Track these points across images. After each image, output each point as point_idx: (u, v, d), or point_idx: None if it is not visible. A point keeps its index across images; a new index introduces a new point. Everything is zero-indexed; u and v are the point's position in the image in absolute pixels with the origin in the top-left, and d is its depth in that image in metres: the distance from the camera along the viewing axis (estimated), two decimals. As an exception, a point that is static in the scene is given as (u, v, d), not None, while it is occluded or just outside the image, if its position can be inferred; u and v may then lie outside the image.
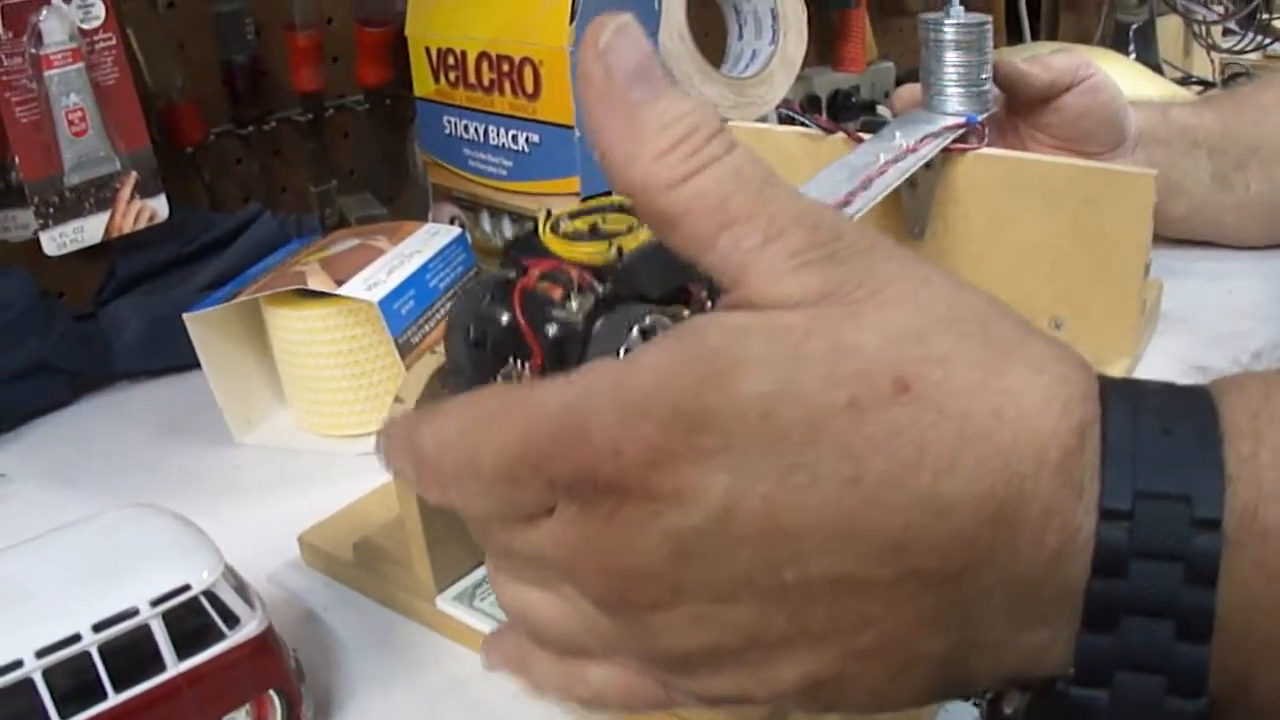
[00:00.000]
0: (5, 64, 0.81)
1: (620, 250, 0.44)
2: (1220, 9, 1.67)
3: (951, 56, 0.84)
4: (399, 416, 0.38)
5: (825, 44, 1.44)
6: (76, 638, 0.42)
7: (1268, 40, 1.61)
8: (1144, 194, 0.75)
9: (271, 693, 0.47)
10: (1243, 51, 1.63)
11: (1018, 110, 0.92)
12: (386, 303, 0.70)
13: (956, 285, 0.35)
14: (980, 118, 0.83)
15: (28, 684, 0.41)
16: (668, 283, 0.43)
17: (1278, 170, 1.00)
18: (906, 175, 0.75)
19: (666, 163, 0.34)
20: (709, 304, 0.44)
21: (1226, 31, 1.66)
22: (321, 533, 0.63)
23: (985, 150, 0.81)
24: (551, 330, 0.43)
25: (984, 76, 0.85)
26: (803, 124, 0.87)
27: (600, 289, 0.43)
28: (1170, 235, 1.00)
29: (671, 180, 0.34)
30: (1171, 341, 0.85)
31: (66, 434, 0.83)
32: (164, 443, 0.80)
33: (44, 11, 0.82)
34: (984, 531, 0.31)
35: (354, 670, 0.55)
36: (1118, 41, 1.52)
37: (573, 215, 0.48)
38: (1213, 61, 1.73)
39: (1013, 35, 1.81)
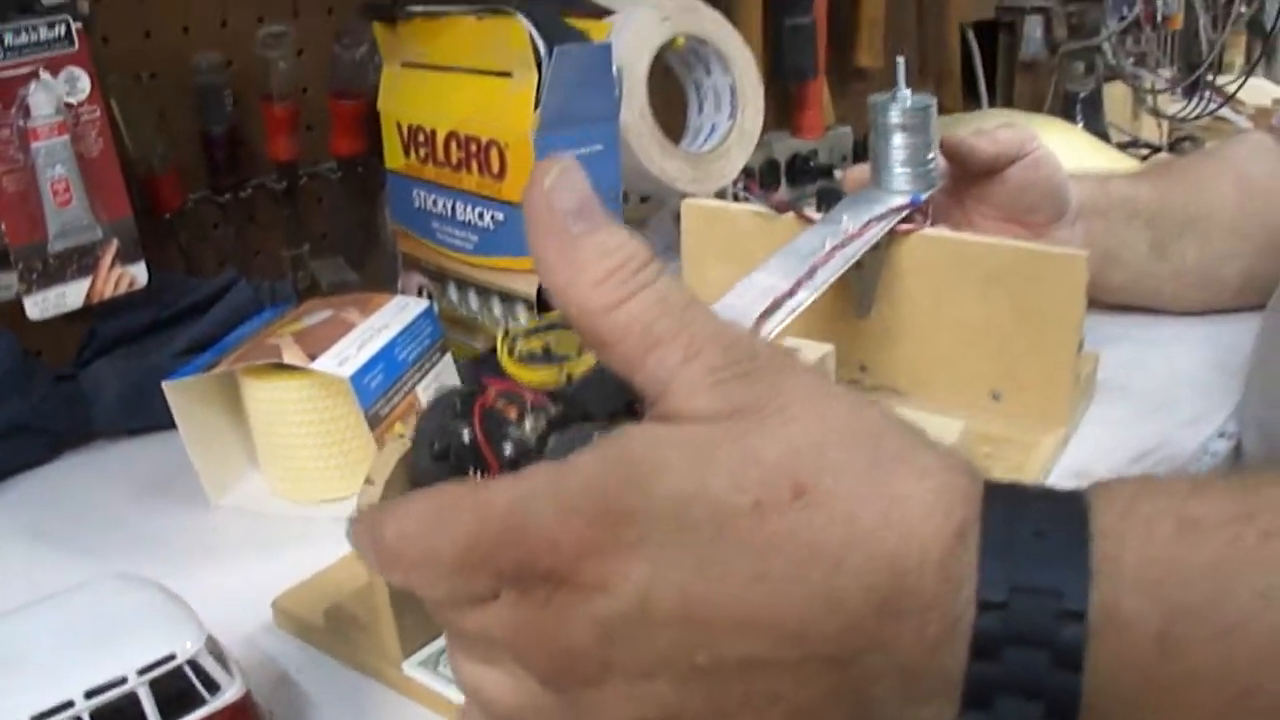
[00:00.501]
0: None
1: (569, 375, 0.49)
2: (1168, 75, 1.72)
3: (898, 138, 0.87)
4: (365, 509, 0.42)
5: (784, 111, 1.48)
6: (70, 704, 0.45)
7: (1212, 105, 1.66)
8: (1077, 274, 0.79)
9: (248, 754, 0.51)
10: (1187, 119, 1.68)
11: (964, 182, 0.95)
12: (357, 378, 0.73)
13: (855, 402, 0.39)
14: (925, 196, 0.87)
15: (23, 747, 0.44)
16: (612, 403, 0.48)
17: (1214, 240, 1.03)
18: (853, 261, 0.79)
19: (602, 290, 0.38)
20: None
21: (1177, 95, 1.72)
22: (294, 598, 0.65)
23: (928, 231, 0.84)
24: (508, 449, 0.47)
25: (929, 156, 0.88)
26: (756, 202, 0.91)
27: (552, 410, 0.47)
28: (1110, 302, 1.03)
29: (606, 305, 0.38)
30: (1109, 410, 0.89)
31: (46, 492, 0.85)
32: (142, 503, 0.82)
33: (32, 85, 0.85)
34: (871, 622, 0.35)
35: (325, 729, 0.58)
36: (1066, 109, 1.56)
37: (528, 334, 0.52)
38: (1160, 126, 1.78)
39: (970, 102, 1.86)
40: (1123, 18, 1.67)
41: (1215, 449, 0.84)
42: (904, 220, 0.85)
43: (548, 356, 0.51)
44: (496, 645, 0.40)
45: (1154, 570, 0.35)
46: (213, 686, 0.49)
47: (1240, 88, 1.63)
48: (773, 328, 0.69)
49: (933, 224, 0.87)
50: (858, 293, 0.87)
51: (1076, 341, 0.81)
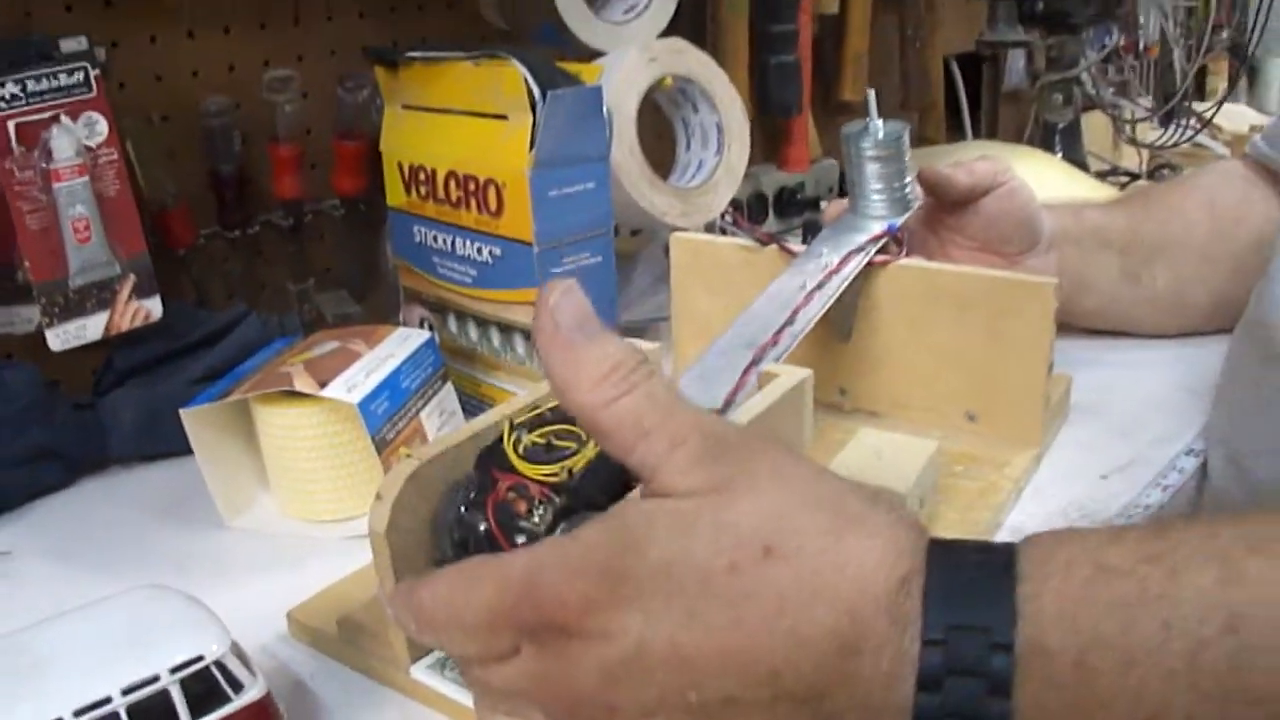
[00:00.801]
0: (18, 176, 0.88)
1: (570, 470, 0.55)
2: (1147, 104, 1.76)
3: (872, 167, 0.91)
4: (403, 583, 0.50)
5: (772, 145, 1.52)
6: (108, 699, 0.49)
7: (1189, 132, 1.70)
8: (1046, 301, 0.83)
9: (268, 749, 0.55)
10: (1165, 146, 1.72)
11: (940, 213, 0.99)
12: (364, 404, 0.77)
13: (815, 473, 0.46)
14: (900, 221, 0.91)
15: (66, 739, 0.48)
16: (610, 491, 0.54)
17: (1184, 265, 1.06)
18: (832, 300, 0.83)
19: (600, 389, 0.46)
20: None
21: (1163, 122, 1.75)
22: (308, 610, 0.69)
23: (904, 261, 0.88)
24: (521, 539, 0.54)
25: (903, 182, 0.92)
26: (742, 236, 0.95)
27: (557, 501, 0.54)
28: (1085, 326, 1.07)
29: (604, 401, 0.46)
30: (1081, 431, 0.92)
31: (66, 515, 0.89)
32: (158, 524, 0.85)
33: (54, 129, 0.89)
34: (834, 660, 0.41)
35: (338, 730, 0.62)
36: (1045, 140, 1.60)
37: (529, 427, 0.59)
38: (1140, 155, 1.82)
39: (954, 132, 1.90)
40: (1103, 46, 1.72)
41: (1183, 466, 0.87)
42: (881, 250, 0.89)
43: (549, 451, 0.57)
44: (519, 695, 0.46)
45: (1071, 607, 0.40)
46: (237, 686, 0.53)
47: (1214, 115, 1.66)
48: (759, 373, 0.74)
49: (909, 254, 0.91)
50: (838, 320, 0.90)
51: (1046, 365, 0.85)
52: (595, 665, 0.43)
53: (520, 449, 0.58)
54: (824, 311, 0.84)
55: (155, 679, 0.50)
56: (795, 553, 0.42)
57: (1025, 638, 0.40)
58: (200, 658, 0.52)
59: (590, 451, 0.56)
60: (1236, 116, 1.97)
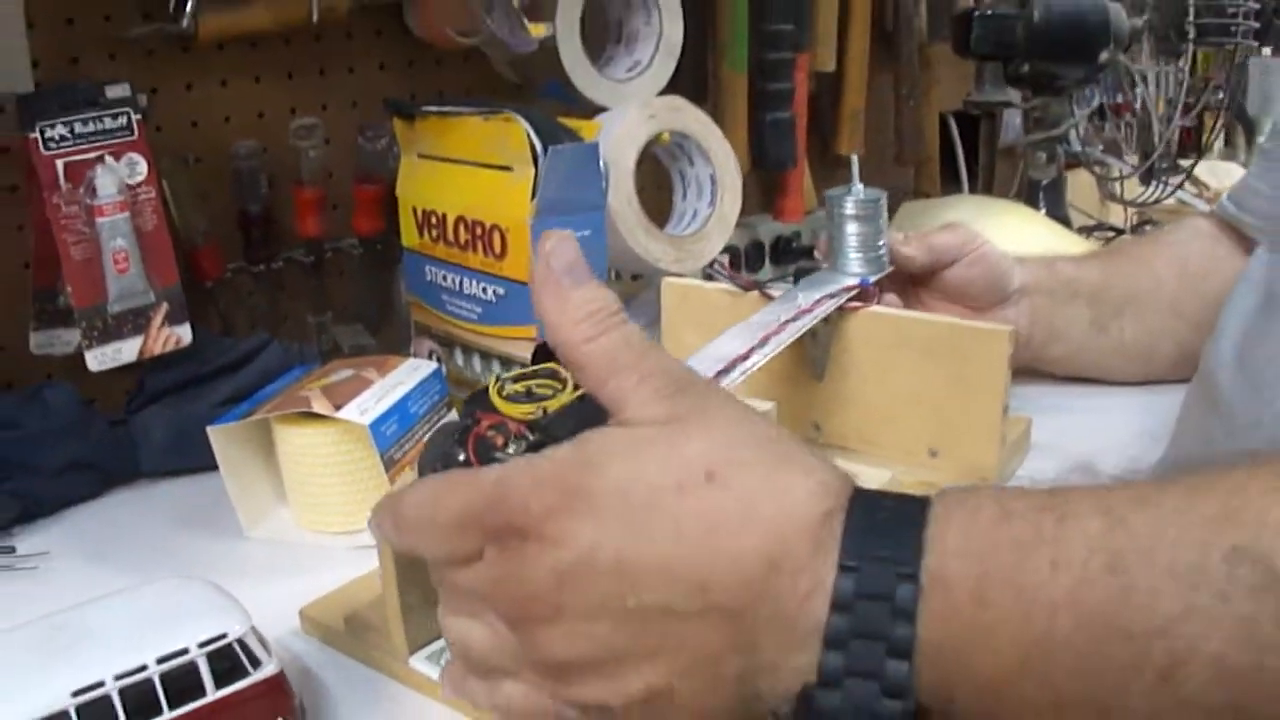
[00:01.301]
0: (64, 210, 0.96)
1: (545, 410, 0.61)
2: (1133, 162, 1.81)
3: (851, 227, 0.98)
4: (387, 494, 0.56)
5: (768, 196, 1.59)
6: (144, 667, 0.56)
7: (1169, 189, 1.75)
8: (1000, 347, 0.89)
9: (281, 721, 0.62)
10: (1147, 204, 1.77)
11: (909, 276, 1.05)
12: (375, 425, 0.84)
13: (760, 419, 0.52)
14: (874, 279, 0.98)
15: (106, 700, 0.55)
16: (578, 432, 0.61)
17: (1150, 317, 1.12)
18: (801, 332, 0.90)
19: (581, 327, 0.53)
20: None
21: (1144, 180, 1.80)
22: (318, 608, 0.76)
23: (873, 309, 0.95)
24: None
25: (880, 243, 0.99)
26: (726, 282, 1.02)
27: (531, 437, 0.60)
28: (1055, 372, 1.14)
29: (584, 338, 0.53)
30: (1037, 466, 0.99)
31: (98, 522, 0.95)
32: (184, 532, 0.92)
33: (99, 169, 0.97)
34: (760, 578, 0.47)
35: (341, 713, 0.68)
36: (1030, 195, 1.66)
37: (515, 379, 0.65)
38: (1126, 211, 1.87)
39: (951, 186, 1.95)
40: (1093, 106, 1.78)
41: (1127, 502, 0.93)
42: (854, 298, 0.96)
43: (529, 396, 0.63)
44: (478, 597, 0.52)
45: (972, 544, 0.46)
46: (255, 662, 0.60)
47: (1190, 173, 1.72)
48: (727, 384, 0.81)
49: (880, 302, 0.98)
50: (813, 361, 0.98)
51: (1002, 405, 0.91)
52: (549, 567, 0.48)
53: (503, 393, 0.64)
54: (800, 345, 0.91)
55: (185, 652, 0.58)
56: (734, 480, 0.48)
57: (928, 570, 0.45)
58: (224, 635, 0.59)
59: (566, 397, 0.62)
60: (1224, 173, 2.00)
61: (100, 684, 0.55)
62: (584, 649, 0.49)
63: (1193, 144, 1.98)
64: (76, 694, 0.55)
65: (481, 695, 0.55)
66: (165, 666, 0.57)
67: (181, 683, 0.58)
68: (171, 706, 0.57)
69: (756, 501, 0.48)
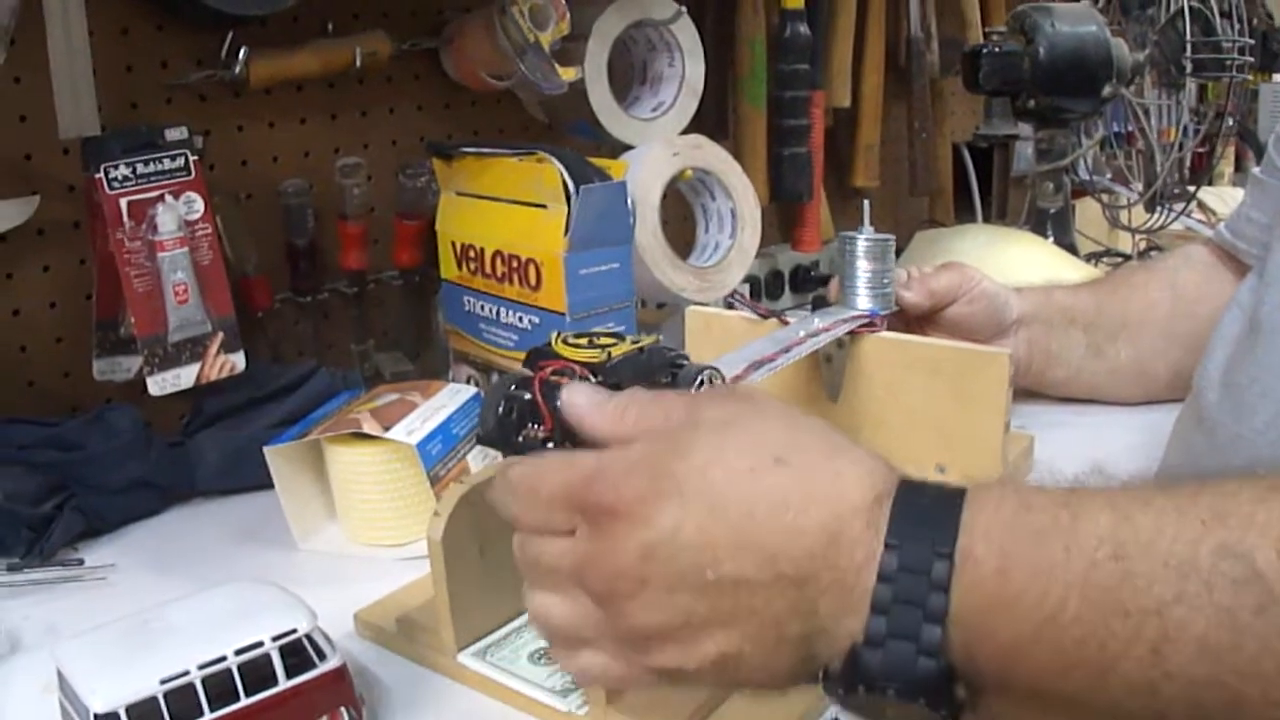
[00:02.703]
0: (128, 246, 1.02)
1: (609, 355, 0.67)
2: (1139, 189, 1.86)
3: (862, 264, 1.04)
4: (502, 462, 0.64)
5: (787, 227, 1.66)
6: (223, 658, 0.63)
7: (1174, 216, 1.79)
8: (1001, 369, 0.95)
9: (343, 709, 0.68)
10: (1150, 230, 1.82)
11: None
12: (422, 445, 0.91)
13: (811, 417, 0.59)
14: (883, 313, 1.04)
15: (190, 687, 0.61)
16: (640, 378, 0.66)
17: (1145, 341, 1.18)
18: (818, 345, 0.96)
19: (625, 419, 0.61)
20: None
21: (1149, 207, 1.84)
22: (371, 611, 0.83)
23: (883, 334, 1.02)
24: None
25: (887, 280, 1.05)
26: (746, 310, 1.09)
27: (594, 380, 0.65)
28: (1055, 395, 1.19)
29: (634, 421, 0.61)
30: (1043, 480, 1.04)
31: (159, 536, 1.01)
32: (240, 546, 0.98)
33: (160, 207, 1.03)
34: (821, 549, 0.53)
35: (396, 705, 0.74)
36: (1038, 224, 1.71)
37: (575, 335, 0.71)
38: (1133, 238, 1.92)
39: (965, 215, 1.99)
40: (1098, 137, 1.83)
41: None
42: (864, 325, 1.02)
43: (592, 345, 0.69)
44: (563, 574, 0.59)
45: (997, 530, 0.52)
46: (321, 655, 0.66)
47: (1192, 200, 1.76)
48: (753, 380, 0.87)
49: (887, 328, 1.04)
50: (828, 383, 1.04)
51: (1003, 424, 0.97)
52: (636, 544, 0.55)
53: (567, 343, 0.70)
54: (817, 368, 0.97)
55: (260, 645, 0.64)
56: (800, 463, 0.55)
57: (961, 550, 0.51)
58: (294, 630, 0.65)
59: (627, 345, 0.69)
60: (1231, 200, 2.02)
61: (185, 673, 0.61)
62: (665, 619, 0.55)
63: (1204, 172, 2.02)
64: (164, 681, 0.61)
65: (567, 664, 0.62)
66: (243, 658, 0.63)
67: (257, 673, 0.64)
68: (248, 694, 0.63)
69: (817, 483, 0.54)
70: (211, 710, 0.62)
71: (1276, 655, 0.47)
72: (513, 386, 0.67)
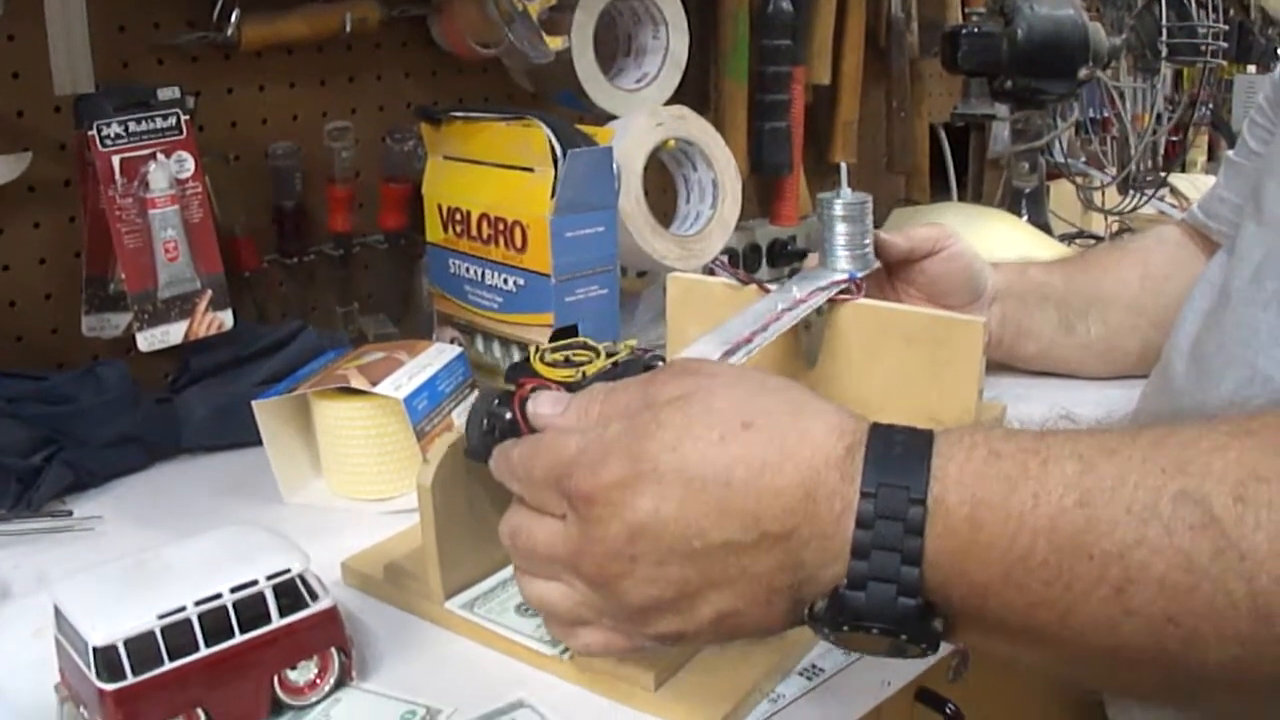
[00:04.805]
0: (119, 203, 1.03)
1: (584, 374, 0.70)
2: (1112, 173, 1.89)
3: (840, 227, 1.06)
4: (503, 444, 0.66)
5: (766, 201, 1.67)
6: (219, 595, 0.64)
7: (1145, 199, 1.82)
8: (976, 336, 0.96)
9: (333, 650, 0.70)
10: (1122, 212, 1.85)
11: (890, 269, 1.13)
12: (409, 400, 0.92)
13: (766, 373, 0.62)
14: (861, 274, 1.06)
15: (187, 622, 0.63)
16: None
17: (1113, 316, 1.20)
18: (797, 320, 0.98)
19: (566, 417, 0.65)
20: None
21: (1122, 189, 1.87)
22: (358, 559, 0.84)
23: (860, 301, 1.03)
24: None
25: (866, 242, 1.07)
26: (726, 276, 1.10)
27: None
28: (1026, 369, 1.22)
29: (594, 420, 0.64)
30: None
31: (146, 491, 1.02)
32: (226, 500, 0.99)
33: (151, 165, 1.04)
34: (800, 505, 0.56)
35: (384, 649, 0.76)
36: (1013, 204, 1.74)
37: (553, 350, 0.74)
38: (1106, 220, 1.95)
39: (941, 194, 2.01)
40: (1074, 119, 1.86)
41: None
42: (842, 291, 1.04)
43: (568, 363, 0.72)
44: (558, 561, 0.62)
45: (968, 476, 0.54)
46: (313, 595, 0.68)
47: (1163, 183, 1.79)
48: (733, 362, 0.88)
49: (865, 296, 1.06)
50: (806, 348, 1.05)
51: (976, 391, 0.98)
52: (622, 524, 0.57)
53: (544, 360, 0.73)
54: (795, 333, 0.99)
55: (254, 583, 0.66)
56: (767, 424, 0.57)
57: (934, 495, 0.54)
58: (288, 570, 0.67)
59: (601, 363, 0.71)
60: (1204, 186, 2.05)
61: (182, 608, 0.63)
62: (659, 591, 0.58)
63: (1177, 158, 2.05)
64: (162, 617, 0.62)
65: (568, 642, 0.66)
66: (237, 595, 0.65)
67: (251, 611, 0.65)
68: (242, 631, 0.65)
69: (789, 441, 0.57)
70: (207, 646, 0.64)
71: (1230, 595, 0.50)
72: (495, 402, 0.70)
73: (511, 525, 0.65)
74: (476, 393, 0.77)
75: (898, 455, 0.56)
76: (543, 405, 0.66)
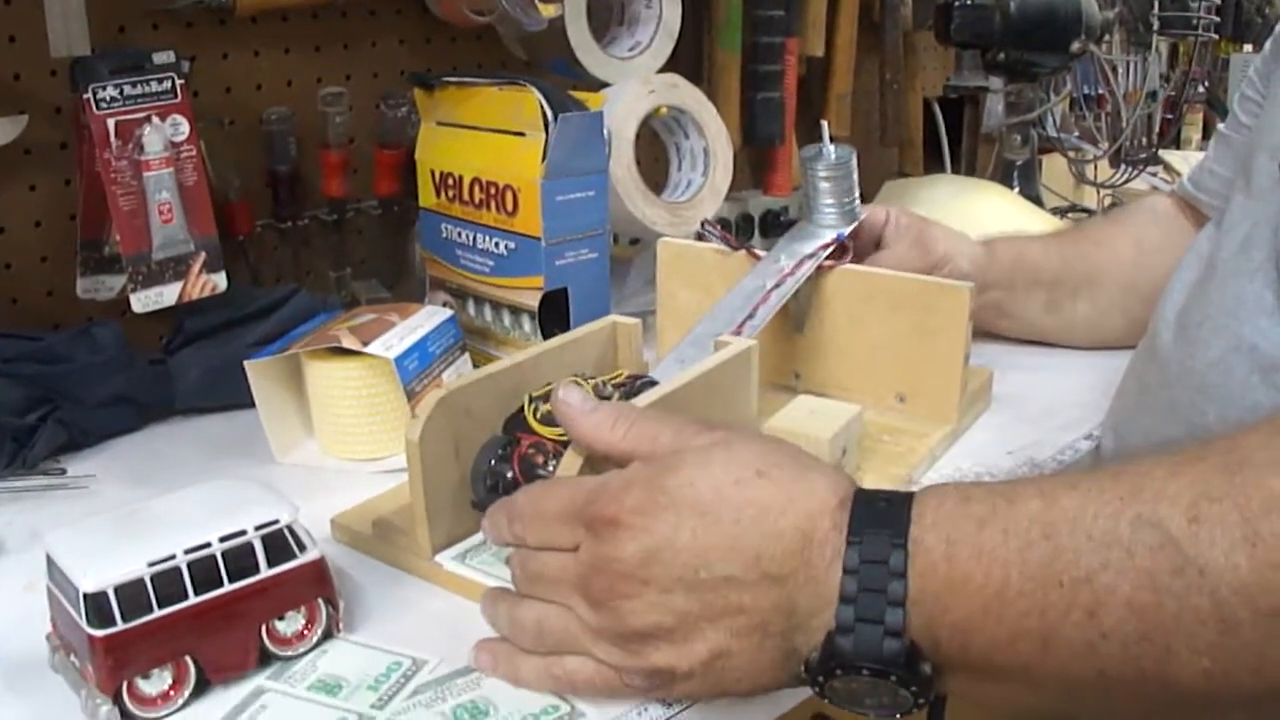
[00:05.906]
0: (114, 165, 1.03)
1: None
2: (1104, 147, 1.90)
3: (824, 185, 1.08)
4: (496, 503, 0.69)
5: (758, 172, 1.68)
6: (208, 544, 0.65)
7: (1137, 172, 1.83)
8: (961, 301, 0.99)
9: (320, 601, 0.71)
10: (1115, 185, 1.86)
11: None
12: (399, 360, 0.93)
13: (781, 439, 0.67)
14: (847, 231, 1.07)
15: (176, 570, 0.64)
16: None
17: (1102, 298, 1.22)
18: (785, 299, 0.99)
19: (615, 430, 0.68)
20: None
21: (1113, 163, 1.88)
22: (348, 516, 0.85)
23: (847, 266, 1.05)
24: None
25: (851, 198, 1.09)
26: (716, 241, 1.12)
27: (563, 449, 0.71)
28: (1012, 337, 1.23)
29: (620, 436, 0.68)
30: (997, 417, 1.09)
31: (138, 451, 1.03)
32: (219, 459, 1.00)
33: (146, 127, 1.05)
34: (797, 549, 0.59)
35: (372, 603, 0.77)
36: (1005, 176, 1.75)
37: (544, 399, 0.77)
38: (1098, 193, 1.96)
39: (935, 167, 2.00)
40: (1066, 92, 1.87)
41: (1079, 447, 1.03)
42: (830, 257, 1.06)
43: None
44: (566, 584, 0.64)
45: (942, 518, 0.58)
46: (301, 547, 0.69)
47: (1153, 157, 1.80)
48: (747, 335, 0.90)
49: (852, 260, 1.07)
50: (794, 315, 1.07)
51: (963, 356, 1.01)
52: (637, 548, 0.60)
53: (538, 415, 0.77)
54: (780, 307, 1.00)
55: (243, 533, 0.67)
56: (779, 475, 0.62)
57: (912, 537, 0.58)
58: (276, 521, 0.68)
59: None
60: (1196, 161, 2.08)
61: (172, 557, 0.64)
62: (660, 618, 0.61)
63: (1172, 136, 2.06)
64: (152, 564, 0.64)
65: (538, 671, 0.67)
66: (226, 545, 0.66)
67: (239, 560, 0.67)
68: (231, 580, 0.66)
69: (795, 491, 0.61)
70: (196, 594, 0.65)
71: (1195, 609, 0.53)
72: (493, 461, 0.76)
73: (521, 554, 0.68)
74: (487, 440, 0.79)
75: (881, 509, 0.60)
76: (572, 396, 0.70)
